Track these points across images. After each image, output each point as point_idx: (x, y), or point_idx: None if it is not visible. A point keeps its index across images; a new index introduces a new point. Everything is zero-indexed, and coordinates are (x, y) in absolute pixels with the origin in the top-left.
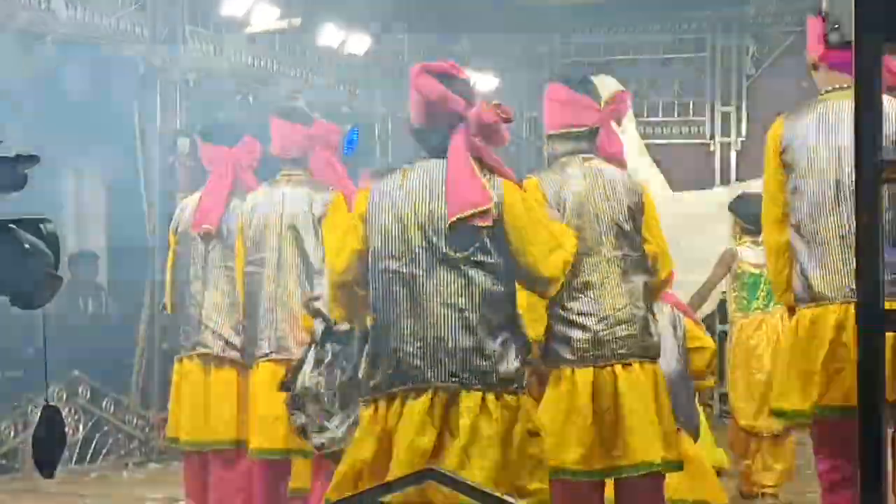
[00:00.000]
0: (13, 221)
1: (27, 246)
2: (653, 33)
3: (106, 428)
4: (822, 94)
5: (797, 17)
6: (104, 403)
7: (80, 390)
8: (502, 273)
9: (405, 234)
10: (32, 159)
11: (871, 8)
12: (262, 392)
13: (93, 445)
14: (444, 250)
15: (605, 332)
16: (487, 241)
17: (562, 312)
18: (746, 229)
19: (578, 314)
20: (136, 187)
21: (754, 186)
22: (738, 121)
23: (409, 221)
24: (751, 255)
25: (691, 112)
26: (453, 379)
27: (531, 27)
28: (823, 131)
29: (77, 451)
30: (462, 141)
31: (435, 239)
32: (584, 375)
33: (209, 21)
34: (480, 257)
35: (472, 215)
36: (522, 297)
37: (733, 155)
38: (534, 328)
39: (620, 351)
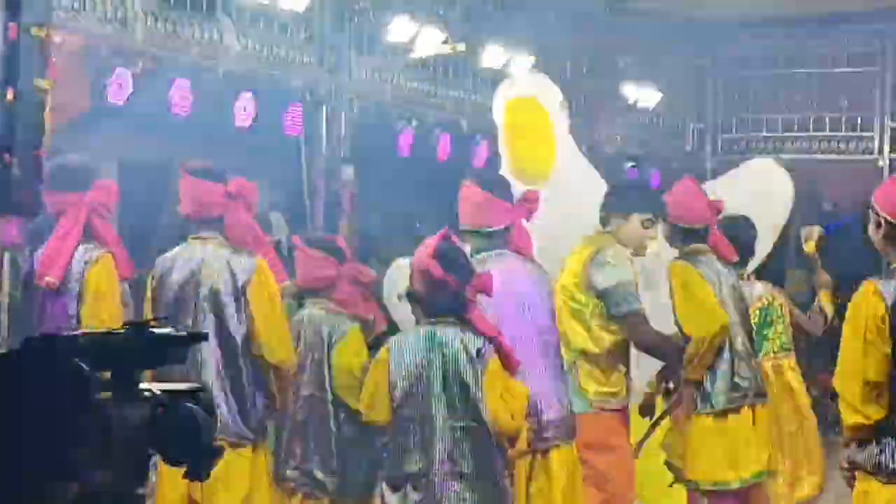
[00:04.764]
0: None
1: (201, 422)
2: (821, 46)
3: None
4: None
5: None
6: None
7: None
8: None
9: None
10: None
11: None
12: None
13: None
14: None
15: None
16: None
17: None
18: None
19: None
20: (303, 216)
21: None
22: None
23: None
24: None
25: (859, 127)
26: None
27: (690, 39)
28: None
29: None
30: None
31: None
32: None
33: (375, 48)
34: None
35: None
36: None
37: None
38: None
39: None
